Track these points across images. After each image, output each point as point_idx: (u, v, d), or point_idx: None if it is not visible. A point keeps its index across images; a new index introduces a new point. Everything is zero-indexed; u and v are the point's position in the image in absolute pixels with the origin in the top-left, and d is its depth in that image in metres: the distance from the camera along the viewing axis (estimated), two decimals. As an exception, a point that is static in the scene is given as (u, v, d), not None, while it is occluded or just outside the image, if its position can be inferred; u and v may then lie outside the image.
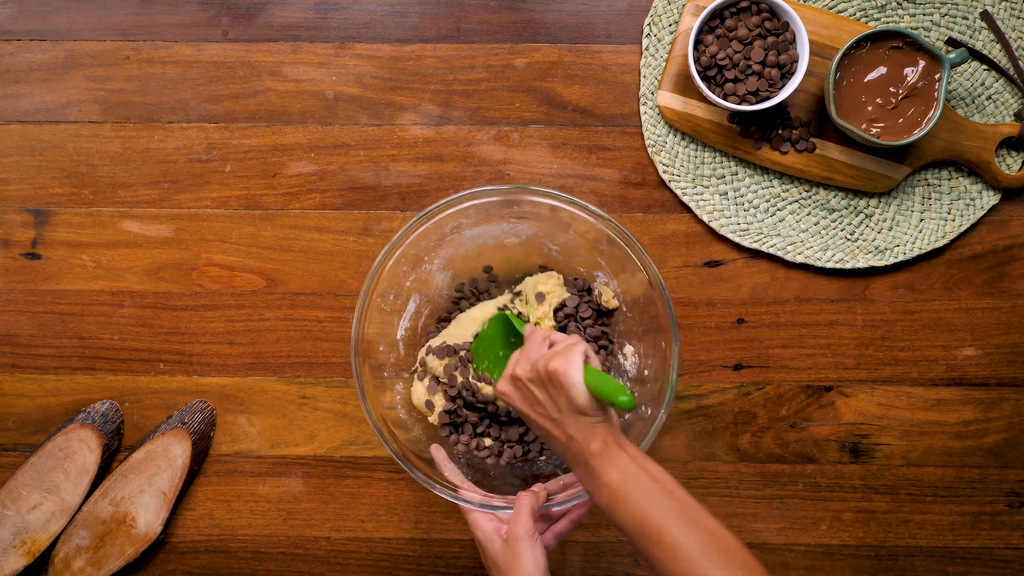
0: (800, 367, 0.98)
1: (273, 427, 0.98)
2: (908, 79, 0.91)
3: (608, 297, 0.92)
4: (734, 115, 0.96)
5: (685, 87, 0.96)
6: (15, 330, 0.98)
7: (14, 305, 0.98)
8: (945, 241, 0.97)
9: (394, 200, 0.98)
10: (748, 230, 0.97)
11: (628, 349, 0.91)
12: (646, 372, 0.89)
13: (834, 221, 0.97)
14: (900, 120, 0.91)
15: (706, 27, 0.92)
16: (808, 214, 0.98)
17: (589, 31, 0.98)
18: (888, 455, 0.98)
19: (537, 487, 0.80)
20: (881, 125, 0.91)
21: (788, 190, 0.98)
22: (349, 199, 0.98)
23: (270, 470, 0.98)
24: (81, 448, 0.94)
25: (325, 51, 0.98)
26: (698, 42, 0.92)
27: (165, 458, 0.94)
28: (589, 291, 0.93)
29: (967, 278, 0.97)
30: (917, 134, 0.90)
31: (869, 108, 0.91)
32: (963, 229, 0.97)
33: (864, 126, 0.91)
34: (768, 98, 0.91)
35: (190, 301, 0.98)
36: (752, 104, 0.91)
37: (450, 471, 0.84)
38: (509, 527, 0.76)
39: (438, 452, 0.86)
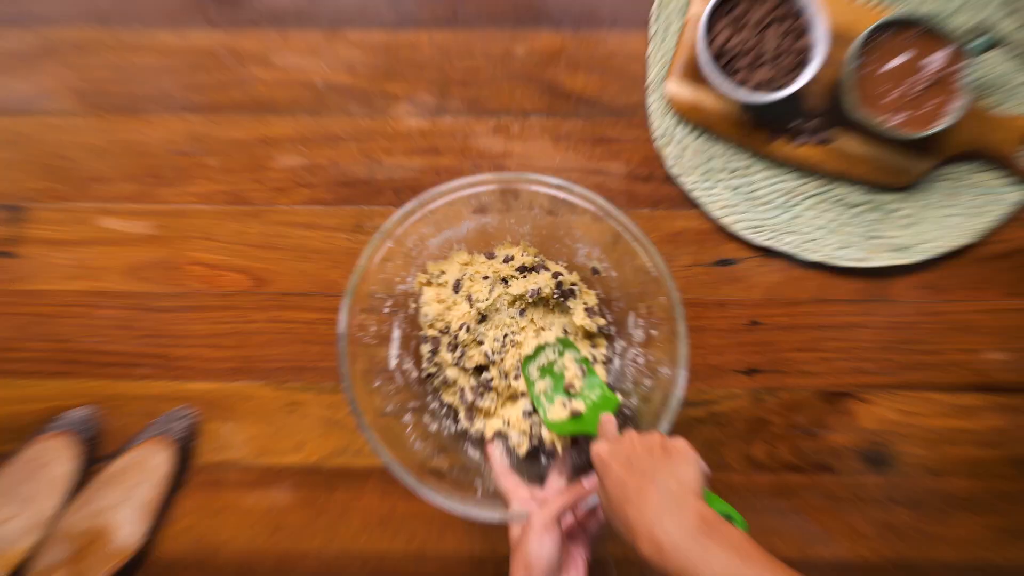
0: (817, 372, 0.94)
1: (260, 435, 0.94)
2: (930, 68, 0.86)
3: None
4: (747, 106, 0.91)
5: (695, 76, 0.91)
6: (-13, 333, 0.94)
7: (-14, 306, 0.94)
8: (971, 239, 0.92)
9: (388, 195, 0.93)
10: (762, 227, 0.93)
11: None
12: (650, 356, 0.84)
13: (853, 217, 0.93)
14: (921, 111, 0.87)
15: (718, 13, 0.88)
16: (825, 210, 0.93)
17: (594, 16, 0.93)
18: (910, 465, 0.93)
19: (587, 483, 0.77)
20: (901, 116, 0.87)
21: (804, 185, 0.93)
22: (340, 194, 0.94)
23: (257, 481, 0.94)
24: (57, 457, 0.90)
25: (315, 37, 0.93)
26: (709, 28, 0.88)
27: (146, 468, 0.90)
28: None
29: (994, 277, 0.93)
30: (939, 126, 0.86)
31: (889, 99, 0.87)
32: (991, 226, 0.92)
33: (883, 117, 0.87)
34: (783, 87, 0.87)
35: (173, 302, 0.94)
36: (766, 94, 0.87)
37: (501, 467, 0.83)
38: (531, 514, 0.75)
39: (495, 449, 0.85)
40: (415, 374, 0.89)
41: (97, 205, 0.94)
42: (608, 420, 0.78)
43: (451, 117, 0.93)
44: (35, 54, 0.93)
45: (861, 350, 0.93)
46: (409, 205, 0.79)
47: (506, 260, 0.87)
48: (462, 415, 0.87)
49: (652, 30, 0.93)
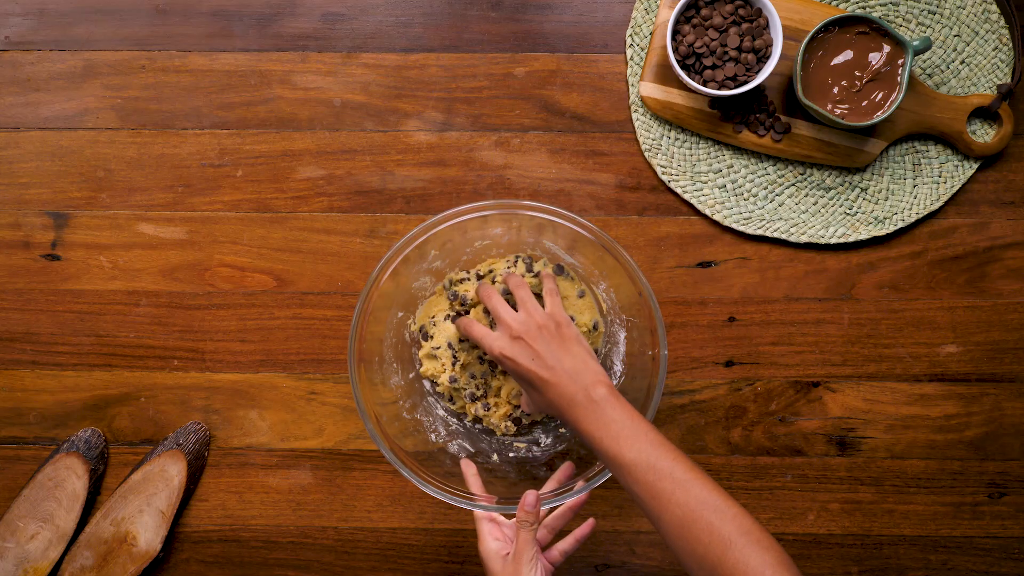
0: (789, 363, 1.02)
1: (283, 421, 1.02)
2: (873, 64, 0.93)
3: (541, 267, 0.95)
4: (714, 101, 0.99)
5: (666, 77, 0.99)
6: (36, 328, 1.02)
7: (35, 304, 1.02)
8: (940, 203, 1.00)
9: (399, 203, 1.02)
10: (751, 218, 1.00)
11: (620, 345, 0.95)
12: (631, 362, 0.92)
13: (832, 199, 1.00)
14: (864, 103, 0.94)
15: (683, 17, 0.95)
16: (806, 195, 1.01)
17: (586, 41, 1.02)
18: (873, 448, 1.01)
19: (531, 498, 0.80)
20: (846, 107, 0.94)
21: (783, 175, 1.01)
22: (356, 202, 1.02)
23: (280, 463, 1.02)
24: (69, 476, 0.97)
25: (333, 60, 1.02)
26: (676, 32, 0.95)
27: (162, 478, 0.97)
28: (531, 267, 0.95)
29: (949, 278, 1.01)
30: (878, 117, 0.93)
31: (835, 90, 0.94)
32: (955, 190, 1.00)
33: (829, 107, 0.94)
34: (746, 82, 0.94)
35: (203, 300, 1.02)
36: (731, 89, 0.94)
37: (475, 485, 0.86)
38: (513, 549, 0.79)
39: (468, 467, 0.88)
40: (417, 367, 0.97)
41: (134, 212, 1.02)
42: (494, 301, 0.85)
43: (456, 132, 1.02)
44: (79, 75, 1.02)
45: (829, 344, 1.02)
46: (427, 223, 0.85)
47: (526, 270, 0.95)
48: (471, 412, 0.95)
49: (628, 54, 1.01)
